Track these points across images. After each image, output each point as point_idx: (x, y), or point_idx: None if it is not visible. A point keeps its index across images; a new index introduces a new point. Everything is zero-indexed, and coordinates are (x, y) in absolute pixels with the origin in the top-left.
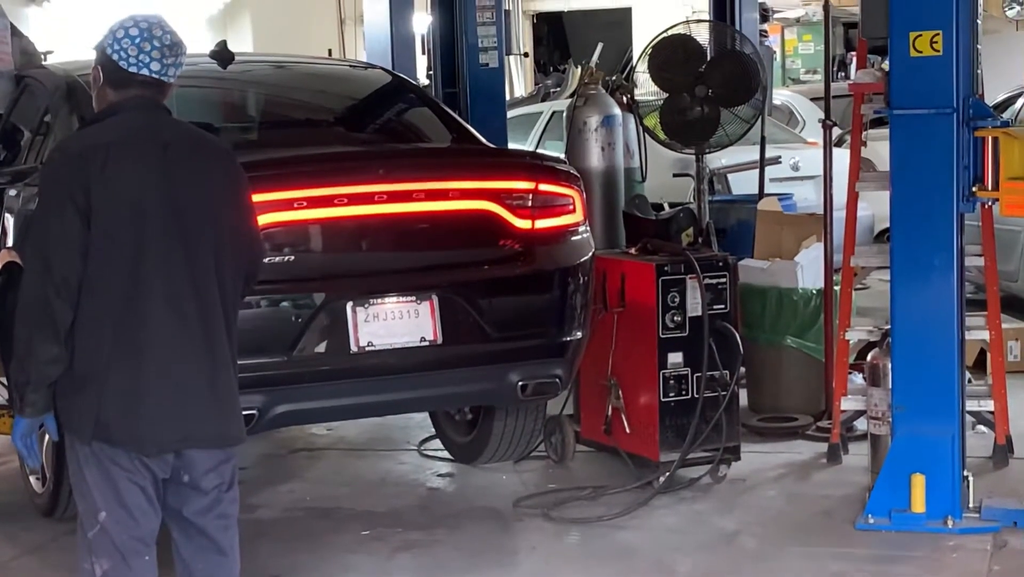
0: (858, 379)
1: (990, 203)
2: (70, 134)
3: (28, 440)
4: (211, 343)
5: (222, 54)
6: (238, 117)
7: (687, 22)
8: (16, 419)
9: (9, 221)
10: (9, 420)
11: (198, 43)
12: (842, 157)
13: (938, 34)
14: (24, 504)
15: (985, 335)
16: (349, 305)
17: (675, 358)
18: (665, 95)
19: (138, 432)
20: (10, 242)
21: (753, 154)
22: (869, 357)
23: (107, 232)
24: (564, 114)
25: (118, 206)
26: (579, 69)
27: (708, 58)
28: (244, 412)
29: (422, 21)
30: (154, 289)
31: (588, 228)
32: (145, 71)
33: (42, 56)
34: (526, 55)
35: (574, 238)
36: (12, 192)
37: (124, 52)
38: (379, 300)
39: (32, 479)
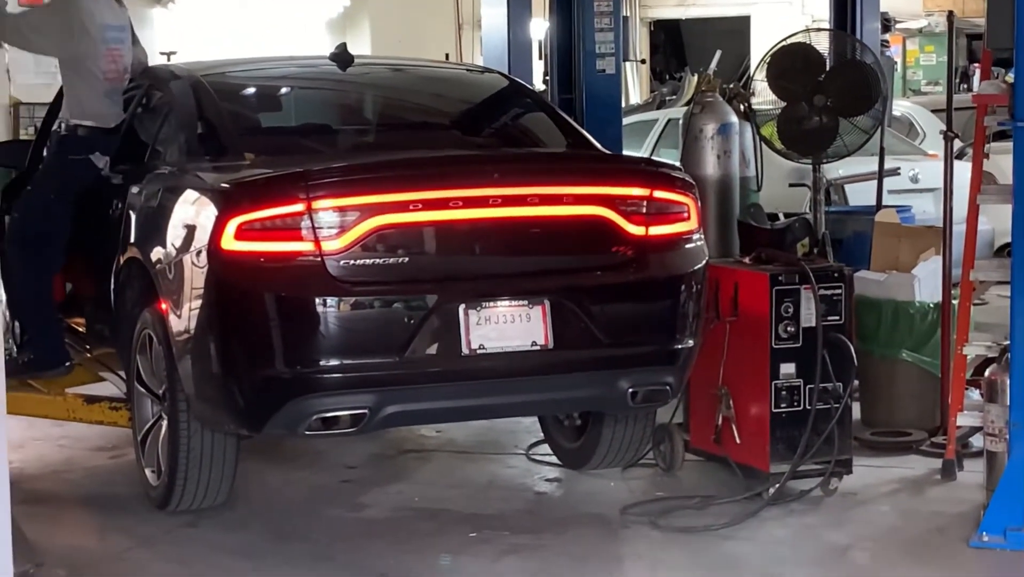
0: (974, 395)
1: None
2: None
3: None
4: None
5: (342, 56)
6: (356, 119)
7: (807, 31)
8: None
9: (132, 218)
10: (126, 413)
11: (318, 46)
12: (962, 170)
13: None
14: (139, 496)
15: None
16: (461, 308)
17: (787, 369)
18: (783, 104)
19: None
20: (132, 239)
21: (871, 165)
22: (987, 373)
23: None
24: (680, 122)
25: None
26: (696, 77)
27: (828, 67)
28: (355, 411)
29: (539, 26)
30: None
31: (702, 236)
32: None
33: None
34: (643, 62)
35: (688, 245)
36: (135, 189)
37: None
38: (491, 303)
39: (147, 472)
